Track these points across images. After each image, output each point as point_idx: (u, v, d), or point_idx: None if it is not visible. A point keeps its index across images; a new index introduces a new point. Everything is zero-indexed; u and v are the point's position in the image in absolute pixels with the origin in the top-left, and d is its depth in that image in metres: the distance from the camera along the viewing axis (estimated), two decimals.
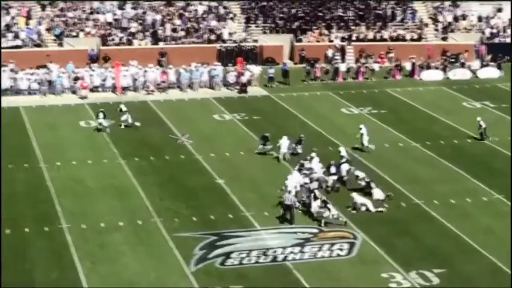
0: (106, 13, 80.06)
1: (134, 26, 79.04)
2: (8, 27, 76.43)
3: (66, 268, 37.34)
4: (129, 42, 77.79)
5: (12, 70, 68.21)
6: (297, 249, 39.54)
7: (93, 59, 74.33)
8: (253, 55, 77.20)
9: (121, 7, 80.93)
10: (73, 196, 45.60)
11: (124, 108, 59.44)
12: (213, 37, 79.25)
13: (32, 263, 37.85)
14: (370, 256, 38.86)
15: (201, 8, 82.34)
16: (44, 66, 69.50)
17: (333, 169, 48.25)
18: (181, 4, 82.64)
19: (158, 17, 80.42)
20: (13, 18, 77.65)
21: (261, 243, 40.28)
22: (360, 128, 55.12)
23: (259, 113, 62.48)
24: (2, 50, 72.39)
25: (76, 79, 67.49)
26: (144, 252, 39.12)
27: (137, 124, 58.40)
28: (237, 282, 36.34)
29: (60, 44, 76.76)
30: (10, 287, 35.55)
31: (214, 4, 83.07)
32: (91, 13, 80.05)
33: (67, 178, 48.30)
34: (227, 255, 38.86)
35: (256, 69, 71.76)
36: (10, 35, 75.62)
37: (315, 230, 41.58)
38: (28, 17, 78.32)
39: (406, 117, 62.07)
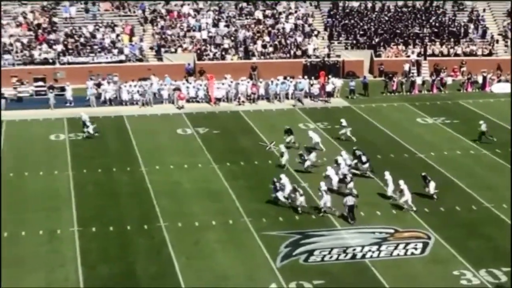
0: (202, 30, 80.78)
1: (227, 43, 79.59)
2: (113, 43, 77.68)
3: (164, 263, 37.81)
4: (223, 57, 78.40)
5: (115, 82, 69.33)
6: (374, 247, 39.45)
7: (190, 72, 75.07)
8: (335, 69, 77.12)
9: (215, 25, 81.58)
10: (170, 197, 46.12)
11: (84, 118, 59.08)
12: (299, 52, 79.47)
13: (133, 258, 38.43)
14: (442, 255, 38.54)
15: (288, 26, 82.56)
16: (146, 79, 70.44)
17: (364, 158, 49.48)
18: (270, 22, 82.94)
19: (249, 34, 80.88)
20: (117, 35, 78.84)
21: (341, 241, 40.26)
22: (341, 123, 57.12)
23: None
24: (108, 64, 73.96)
25: (175, 90, 68.26)
26: (234, 249, 39.40)
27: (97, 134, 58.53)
28: (319, 277, 36.42)
29: (160, 59, 77.71)
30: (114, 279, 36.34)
31: (300, 22, 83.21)
32: (188, 30, 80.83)
33: (165, 180, 48.87)
34: (310, 252, 38.95)
35: (338, 82, 71.69)
36: (115, 51, 76.88)
37: (392, 230, 41.43)
38: (132, 34, 79.43)
39: (477, 126, 61.27)
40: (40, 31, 78.64)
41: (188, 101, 68.14)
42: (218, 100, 68.25)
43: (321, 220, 42.85)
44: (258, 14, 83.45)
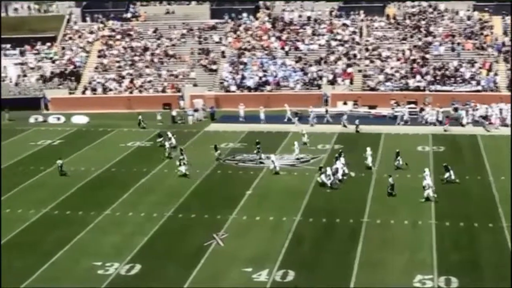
0: None
1: None
2: (472, 76, 76.19)
3: (504, 255, 36.53)
4: None
5: (473, 108, 67.80)
6: None
7: None
8: None
9: None
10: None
11: (169, 135, 59.41)
12: None
13: (479, 249, 37.51)
14: None
15: None
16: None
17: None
18: None
19: None
20: (476, 70, 77.20)
21: None
22: (366, 151, 52.99)
23: None
24: (467, 93, 72.65)
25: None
26: None
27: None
28: None
29: (511, 90, 74.82)
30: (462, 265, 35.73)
31: None
32: None
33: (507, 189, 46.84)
34: None
35: None
36: (473, 82, 75.40)
37: None
38: (489, 69, 77.32)
39: None
40: (415, 64, 79.07)
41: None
42: None
43: None
44: None
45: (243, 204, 45.33)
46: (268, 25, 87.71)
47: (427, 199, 44.72)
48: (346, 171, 50.48)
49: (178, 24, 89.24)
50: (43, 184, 50.96)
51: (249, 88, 78.83)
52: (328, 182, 47.73)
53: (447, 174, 48.38)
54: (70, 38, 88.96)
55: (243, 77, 79.91)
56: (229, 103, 75.36)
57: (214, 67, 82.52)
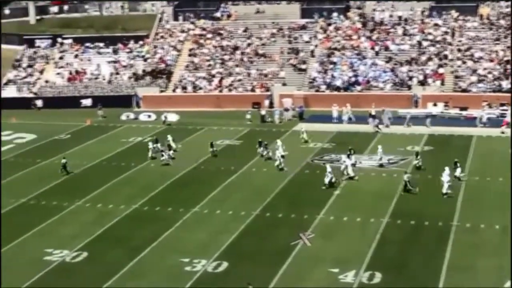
0: None
1: None
2: None
3: None
4: None
5: None
6: None
7: None
8: None
9: None
10: None
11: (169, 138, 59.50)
12: None
13: None
14: None
15: None
16: None
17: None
18: None
19: None
20: None
21: None
22: (377, 148, 53.64)
23: None
24: None
25: None
26: None
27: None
28: None
29: None
30: None
31: None
32: None
33: None
34: None
35: None
36: None
37: None
38: None
39: None
40: (508, 66, 77.06)
41: None
42: None
43: None
44: None
45: (331, 204, 45.21)
46: (359, 25, 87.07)
47: (445, 194, 45.31)
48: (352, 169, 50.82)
49: (268, 24, 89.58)
50: (134, 180, 52.09)
51: (338, 88, 78.43)
52: (326, 181, 48.00)
53: (457, 171, 48.21)
54: (162, 37, 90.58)
55: (332, 77, 79.58)
56: (317, 103, 75.29)
57: (303, 66, 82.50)
